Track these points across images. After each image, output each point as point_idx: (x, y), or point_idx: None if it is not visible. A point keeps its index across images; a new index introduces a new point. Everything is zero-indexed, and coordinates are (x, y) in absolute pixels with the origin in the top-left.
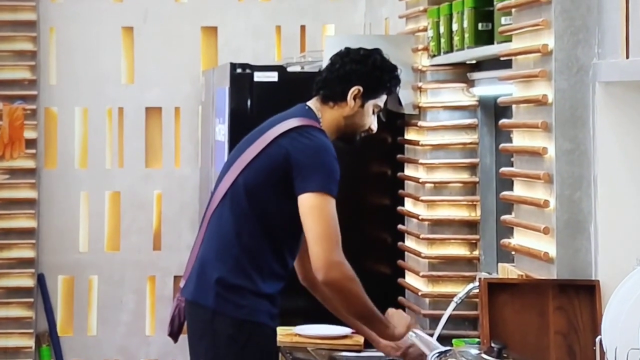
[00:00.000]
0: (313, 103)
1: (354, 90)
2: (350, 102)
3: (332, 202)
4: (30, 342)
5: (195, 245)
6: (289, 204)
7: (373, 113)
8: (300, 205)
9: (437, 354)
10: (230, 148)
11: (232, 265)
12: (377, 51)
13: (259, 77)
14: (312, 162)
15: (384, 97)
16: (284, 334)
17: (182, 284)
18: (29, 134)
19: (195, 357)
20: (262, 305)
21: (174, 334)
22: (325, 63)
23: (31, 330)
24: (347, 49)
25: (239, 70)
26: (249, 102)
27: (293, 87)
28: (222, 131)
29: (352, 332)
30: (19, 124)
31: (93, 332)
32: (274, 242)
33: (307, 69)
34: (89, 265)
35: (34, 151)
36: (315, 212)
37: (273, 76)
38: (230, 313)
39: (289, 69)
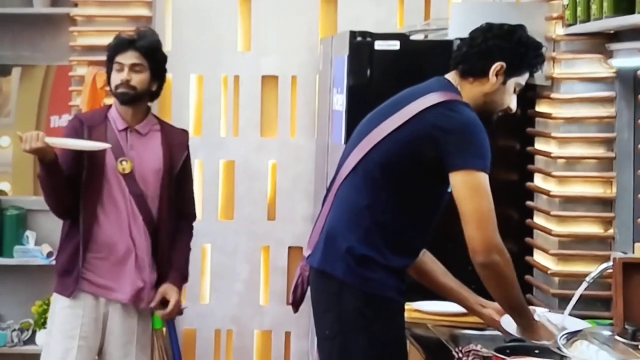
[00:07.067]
0: (451, 77)
1: (496, 66)
2: (492, 78)
3: (486, 179)
4: None
5: (322, 215)
6: (428, 180)
7: (514, 92)
8: (453, 184)
9: (566, 335)
10: (349, 118)
11: (362, 236)
12: (521, 27)
13: (379, 45)
14: (464, 138)
15: (526, 76)
16: None
17: (306, 252)
18: None
19: (319, 329)
20: (391, 279)
21: (296, 303)
22: (451, 31)
23: None
24: (489, 24)
25: (358, 39)
26: (368, 72)
27: (416, 57)
28: (340, 101)
29: None
30: None
31: (206, 301)
32: (408, 216)
33: (431, 37)
34: (202, 233)
35: None
36: (471, 190)
37: (395, 45)
38: (359, 286)
39: (412, 38)
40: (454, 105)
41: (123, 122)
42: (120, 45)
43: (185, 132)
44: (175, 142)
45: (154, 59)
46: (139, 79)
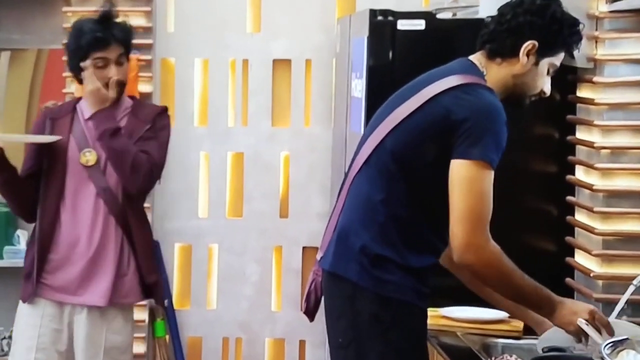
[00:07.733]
0: (477, 58)
1: (527, 45)
2: (523, 58)
3: (489, 176)
4: (143, 316)
5: (335, 212)
6: (445, 170)
7: (547, 73)
8: (451, 172)
9: (611, 344)
10: (368, 105)
11: (377, 233)
12: (555, 2)
13: (402, 25)
14: (478, 124)
15: (561, 56)
16: (430, 316)
17: (319, 255)
18: (143, 87)
19: (332, 337)
20: (408, 281)
21: (310, 312)
22: (482, 9)
23: (144, 303)
24: None
25: (379, 18)
26: (390, 54)
27: (443, 38)
28: (359, 86)
29: (509, 316)
30: (133, 75)
31: (212, 306)
32: (426, 210)
33: (459, 15)
34: (209, 232)
35: None
36: (467, 184)
37: (419, 24)
38: (374, 288)
39: (439, 16)
40: (472, 89)
41: (90, 111)
42: (102, 41)
43: (155, 107)
44: (139, 119)
45: (130, 41)
46: (123, 71)
